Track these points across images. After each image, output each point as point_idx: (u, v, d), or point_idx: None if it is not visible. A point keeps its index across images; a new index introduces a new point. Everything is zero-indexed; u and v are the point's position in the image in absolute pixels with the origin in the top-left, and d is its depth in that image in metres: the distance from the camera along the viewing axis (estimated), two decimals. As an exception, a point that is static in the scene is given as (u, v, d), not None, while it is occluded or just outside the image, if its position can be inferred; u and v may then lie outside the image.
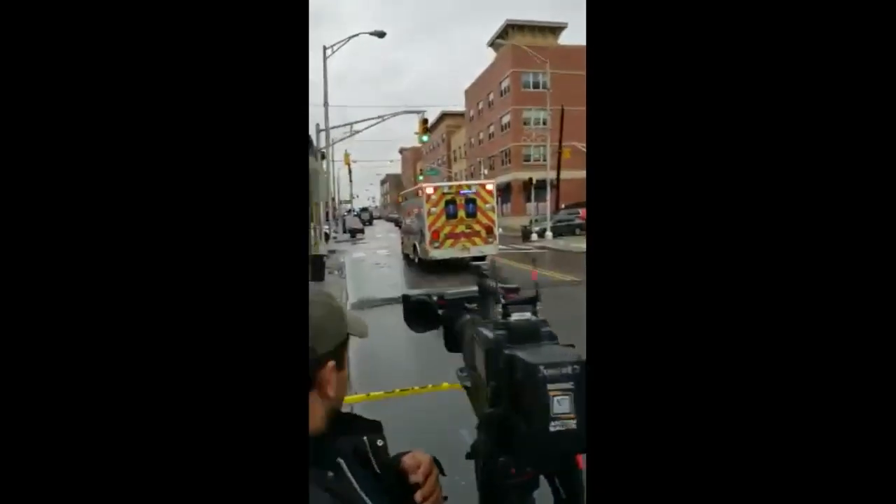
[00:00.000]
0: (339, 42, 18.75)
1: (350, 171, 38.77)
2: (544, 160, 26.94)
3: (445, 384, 4.01)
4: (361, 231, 33.95)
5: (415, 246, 14.37)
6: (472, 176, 42.16)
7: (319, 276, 10.16)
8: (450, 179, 46.46)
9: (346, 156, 27.05)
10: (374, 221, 59.22)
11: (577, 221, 24.09)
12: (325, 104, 19.52)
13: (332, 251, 17.25)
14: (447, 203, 13.15)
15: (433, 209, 13.06)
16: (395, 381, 4.95)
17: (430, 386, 4.42)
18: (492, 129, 39.44)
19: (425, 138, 20.13)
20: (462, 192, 13.48)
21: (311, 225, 13.14)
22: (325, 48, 18.59)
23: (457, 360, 0.99)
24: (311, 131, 18.91)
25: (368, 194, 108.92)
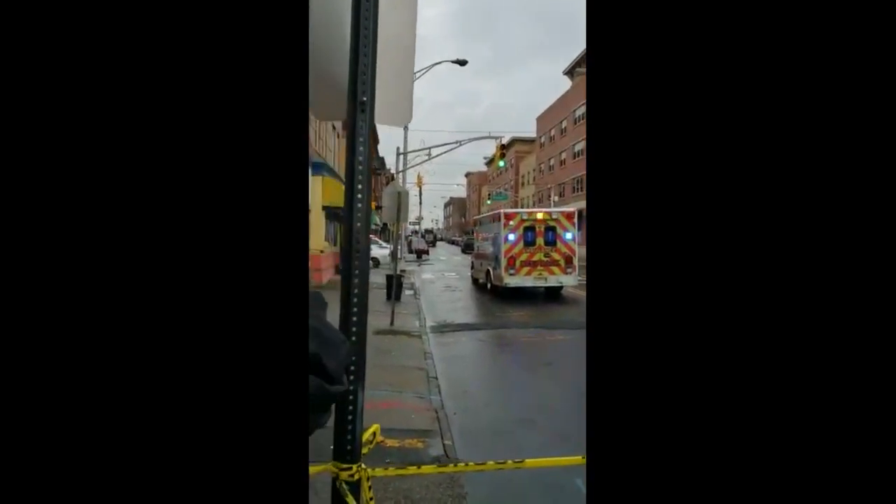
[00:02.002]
0: (422, 69, 19.35)
1: (420, 193, 39.67)
2: (620, 190, 25.91)
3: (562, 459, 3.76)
4: (426, 252, 34.40)
5: (488, 272, 14.22)
6: (539, 202, 41.72)
7: (397, 296, 10.22)
8: (516, 205, 46.23)
9: (419, 178, 27.73)
10: (437, 243, 60.04)
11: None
12: (406, 128, 20.11)
13: (403, 271, 17.51)
14: (526, 229, 12.93)
15: (511, 235, 12.88)
16: (490, 413, 4.77)
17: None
18: (563, 155, 39.00)
19: (502, 163, 20.17)
20: (542, 219, 13.21)
21: (390, 244, 13.35)
22: (408, 74, 19.24)
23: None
24: (391, 154, 19.37)
25: (432, 216, 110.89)
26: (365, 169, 1.21)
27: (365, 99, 1.17)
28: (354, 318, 1.17)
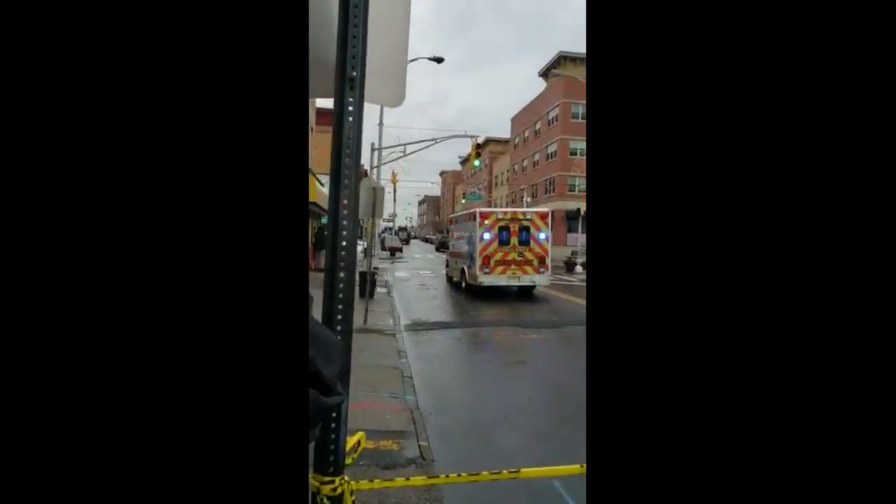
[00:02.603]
0: (399, 64, 19.08)
1: (395, 190, 39.34)
2: (592, 191, 26.30)
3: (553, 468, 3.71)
4: (400, 250, 34.13)
5: (462, 270, 14.17)
6: (513, 202, 41.98)
7: (371, 293, 10.05)
8: (489, 205, 46.42)
9: (394, 174, 27.44)
10: (411, 241, 59.76)
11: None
12: (381, 124, 19.88)
13: (376, 268, 17.28)
14: (500, 229, 12.94)
15: (486, 234, 12.87)
16: (466, 412, 4.70)
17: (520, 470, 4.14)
18: (537, 157, 39.34)
19: (477, 163, 20.17)
20: (517, 219, 13.25)
21: (363, 241, 13.16)
22: (385, 70, 18.99)
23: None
24: (365, 149, 19.16)
25: (406, 213, 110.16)
26: (353, 153, 1.10)
27: (355, 74, 1.06)
28: (339, 316, 1.07)
